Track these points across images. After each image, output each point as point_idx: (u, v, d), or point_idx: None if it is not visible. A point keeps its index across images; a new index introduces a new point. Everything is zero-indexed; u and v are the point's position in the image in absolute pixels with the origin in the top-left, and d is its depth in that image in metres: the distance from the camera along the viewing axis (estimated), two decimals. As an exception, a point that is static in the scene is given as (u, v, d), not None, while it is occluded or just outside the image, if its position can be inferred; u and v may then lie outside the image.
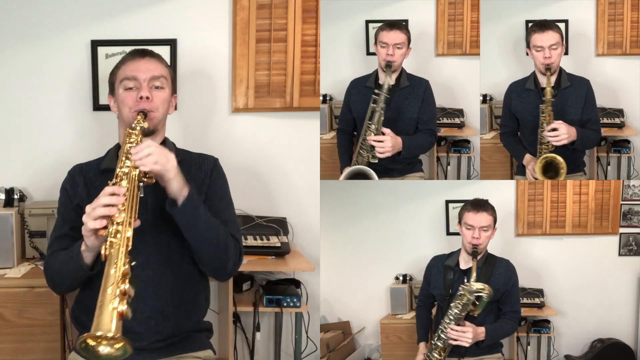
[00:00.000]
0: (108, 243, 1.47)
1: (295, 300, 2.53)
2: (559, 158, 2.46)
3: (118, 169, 1.63)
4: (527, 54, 2.58)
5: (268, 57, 2.71)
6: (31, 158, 2.72)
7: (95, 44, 2.66)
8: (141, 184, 1.62)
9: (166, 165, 1.62)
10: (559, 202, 3.15)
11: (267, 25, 2.70)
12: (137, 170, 1.61)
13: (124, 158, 1.65)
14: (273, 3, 2.69)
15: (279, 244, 2.57)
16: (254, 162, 2.80)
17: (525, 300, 3.07)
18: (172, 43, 2.69)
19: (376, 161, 2.47)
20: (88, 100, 2.71)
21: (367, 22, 3.04)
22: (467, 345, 2.29)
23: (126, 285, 1.35)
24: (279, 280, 2.72)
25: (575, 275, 3.21)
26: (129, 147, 1.66)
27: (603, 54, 3.11)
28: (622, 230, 3.20)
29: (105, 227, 1.51)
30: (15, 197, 2.56)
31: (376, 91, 2.45)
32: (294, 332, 2.61)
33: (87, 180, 1.87)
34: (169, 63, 2.66)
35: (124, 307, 1.32)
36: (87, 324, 1.78)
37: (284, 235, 2.63)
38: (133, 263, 1.43)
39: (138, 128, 1.73)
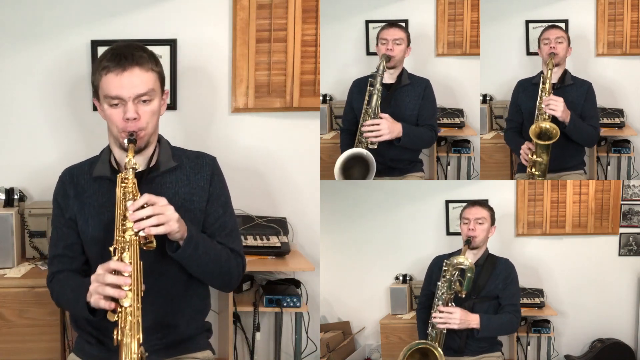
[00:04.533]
0: (120, 330, 1.50)
1: (295, 300, 2.53)
2: (553, 125, 2.49)
3: (117, 233, 1.58)
4: (536, 54, 2.71)
5: (268, 57, 2.71)
6: (31, 158, 2.72)
7: (95, 44, 2.66)
8: (144, 248, 1.59)
9: (168, 224, 1.58)
10: (559, 202, 3.15)
11: (267, 25, 2.70)
12: (137, 236, 1.56)
13: (121, 218, 1.59)
14: (273, 3, 2.69)
15: (279, 244, 2.57)
16: (254, 162, 2.80)
17: (525, 300, 3.07)
18: (172, 43, 2.69)
19: (375, 146, 2.47)
20: (88, 100, 2.70)
21: (367, 22, 3.05)
22: (455, 327, 2.28)
23: None
24: (279, 280, 2.72)
25: (575, 275, 3.21)
26: (126, 204, 1.58)
27: (603, 54, 3.11)
28: (622, 230, 3.20)
29: (114, 310, 1.52)
30: (15, 197, 2.56)
31: (372, 73, 2.48)
32: (294, 332, 2.61)
33: (79, 189, 1.80)
34: (169, 63, 2.68)
35: None
36: (85, 328, 1.79)
37: (284, 235, 2.64)
38: (145, 353, 1.50)
39: (131, 171, 1.61)
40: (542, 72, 2.63)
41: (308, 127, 2.81)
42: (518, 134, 2.72)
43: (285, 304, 2.52)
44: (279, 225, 2.67)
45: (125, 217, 1.57)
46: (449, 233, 3.14)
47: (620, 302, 3.23)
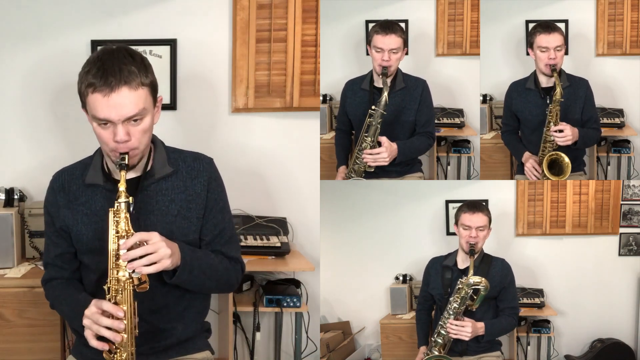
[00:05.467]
0: None
1: (295, 300, 2.53)
2: (566, 158, 2.49)
3: (110, 272, 1.58)
4: (528, 54, 2.60)
5: (268, 57, 2.71)
6: (31, 158, 2.72)
7: (95, 44, 2.66)
8: (137, 290, 1.59)
9: (160, 262, 1.56)
10: (559, 202, 3.15)
11: (267, 25, 2.70)
12: (131, 277, 1.56)
13: (114, 258, 1.58)
14: (273, 3, 2.69)
15: (279, 244, 2.57)
16: (254, 162, 2.80)
17: (525, 300, 3.08)
18: (172, 43, 2.69)
19: (372, 170, 2.47)
20: (88, 100, 2.70)
21: (367, 22, 3.04)
22: (466, 339, 2.32)
23: None
24: (279, 280, 2.72)
25: (575, 275, 3.21)
26: (119, 242, 1.56)
27: (603, 54, 3.11)
28: (622, 230, 3.20)
29: (109, 351, 1.56)
30: (15, 197, 2.56)
31: (373, 107, 2.41)
32: (294, 332, 2.61)
33: (71, 196, 1.77)
34: (169, 63, 2.68)
35: None
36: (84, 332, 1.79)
37: (284, 235, 2.64)
38: None
39: (123, 205, 1.57)
40: (536, 77, 2.57)
41: (308, 127, 2.81)
42: (516, 137, 2.71)
43: (285, 304, 2.52)
44: (279, 225, 2.67)
45: (118, 256, 1.57)
46: (448, 233, 3.13)
47: (620, 302, 3.23)
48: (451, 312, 2.33)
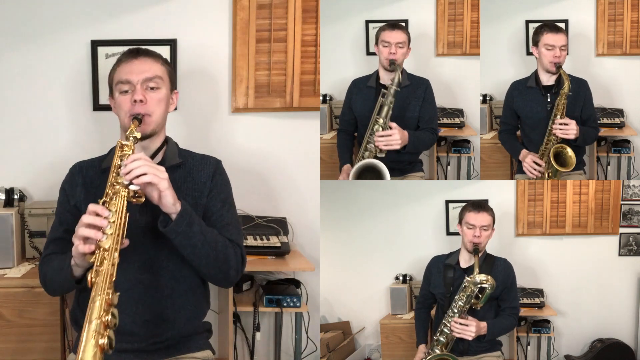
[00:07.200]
0: (94, 270, 1.47)
1: (295, 300, 2.53)
2: (570, 151, 2.52)
3: (108, 186, 1.60)
4: (531, 53, 2.65)
5: (268, 57, 2.72)
6: (31, 158, 2.72)
7: (95, 44, 2.66)
8: (133, 201, 1.60)
9: (158, 176, 1.60)
10: (559, 202, 3.15)
11: (267, 25, 2.70)
12: (127, 189, 1.58)
13: (114, 173, 1.62)
14: (273, 3, 2.69)
15: (279, 244, 2.57)
16: (254, 162, 2.80)
17: (525, 300, 3.07)
18: (172, 43, 2.69)
19: (383, 155, 2.49)
20: (88, 100, 2.71)
21: (367, 22, 3.04)
22: (469, 339, 2.33)
23: (109, 317, 1.37)
24: (279, 280, 2.73)
25: (575, 275, 3.21)
26: (119, 162, 1.62)
27: (603, 54, 3.11)
28: (622, 230, 3.20)
29: (93, 253, 1.50)
30: (15, 197, 2.57)
31: (387, 84, 2.48)
32: (294, 332, 2.61)
33: (87, 179, 1.86)
34: (169, 63, 2.68)
35: (105, 340, 1.34)
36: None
37: (284, 235, 2.64)
38: (117, 294, 1.44)
39: (131, 139, 1.67)
40: (537, 75, 2.59)
41: (308, 127, 2.81)
42: (513, 137, 2.72)
43: (285, 304, 2.52)
44: (279, 225, 2.67)
45: (118, 174, 1.60)
46: (449, 233, 3.14)
47: (620, 302, 3.23)
48: (456, 310, 2.34)
